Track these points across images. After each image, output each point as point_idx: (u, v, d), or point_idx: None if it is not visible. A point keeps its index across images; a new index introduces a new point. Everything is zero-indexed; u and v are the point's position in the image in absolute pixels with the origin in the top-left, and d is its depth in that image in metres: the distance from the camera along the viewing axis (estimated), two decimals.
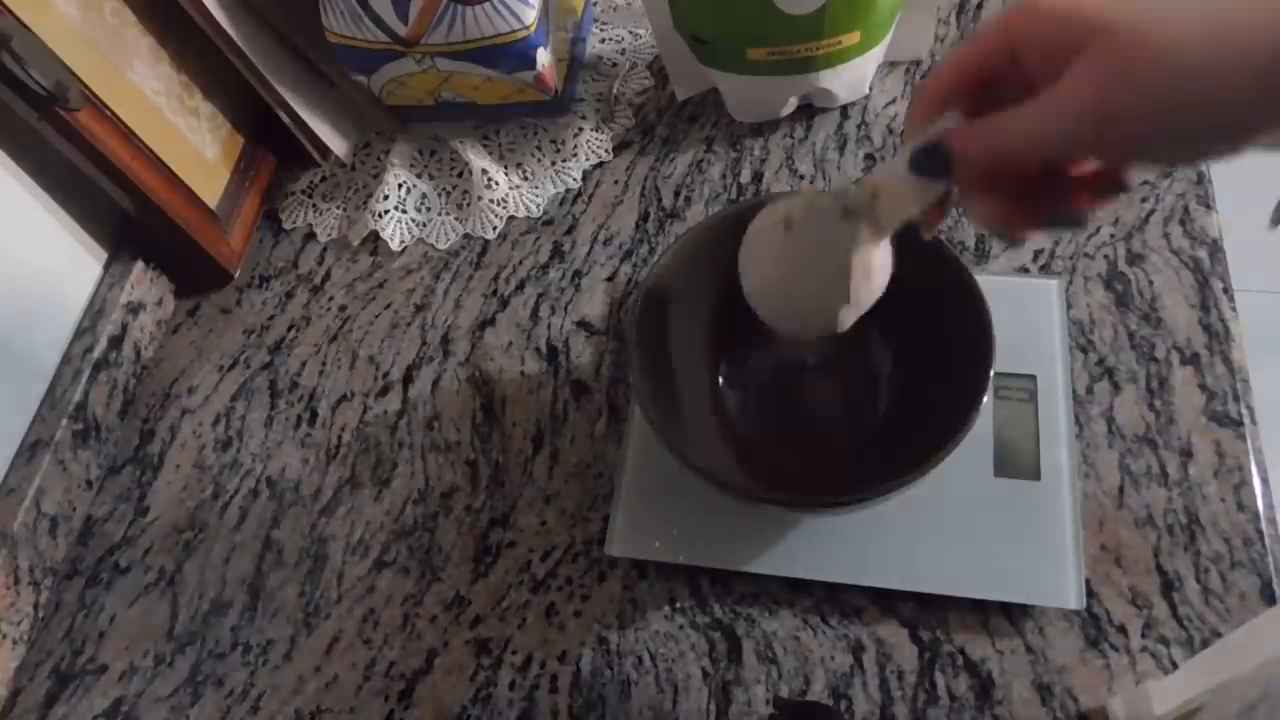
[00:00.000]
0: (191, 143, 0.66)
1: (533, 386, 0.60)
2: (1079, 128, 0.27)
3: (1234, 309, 0.55)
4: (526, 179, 0.69)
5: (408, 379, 0.62)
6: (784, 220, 0.39)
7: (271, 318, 0.67)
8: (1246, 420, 0.51)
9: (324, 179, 0.73)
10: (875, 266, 0.39)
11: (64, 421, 0.59)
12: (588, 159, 0.69)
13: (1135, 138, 0.27)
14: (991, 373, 0.44)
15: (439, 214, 0.69)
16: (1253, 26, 0.24)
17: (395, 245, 0.68)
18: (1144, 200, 0.59)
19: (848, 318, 0.40)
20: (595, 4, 0.77)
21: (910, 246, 0.39)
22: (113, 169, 0.59)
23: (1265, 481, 0.50)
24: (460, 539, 0.55)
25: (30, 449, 0.59)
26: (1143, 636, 0.46)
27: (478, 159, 0.68)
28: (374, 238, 0.69)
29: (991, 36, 0.31)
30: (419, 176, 0.70)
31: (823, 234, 0.38)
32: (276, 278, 0.69)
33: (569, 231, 0.67)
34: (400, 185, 0.69)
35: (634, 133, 0.71)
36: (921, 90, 0.33)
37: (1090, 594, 0.48)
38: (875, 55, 0.64)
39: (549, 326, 0.62)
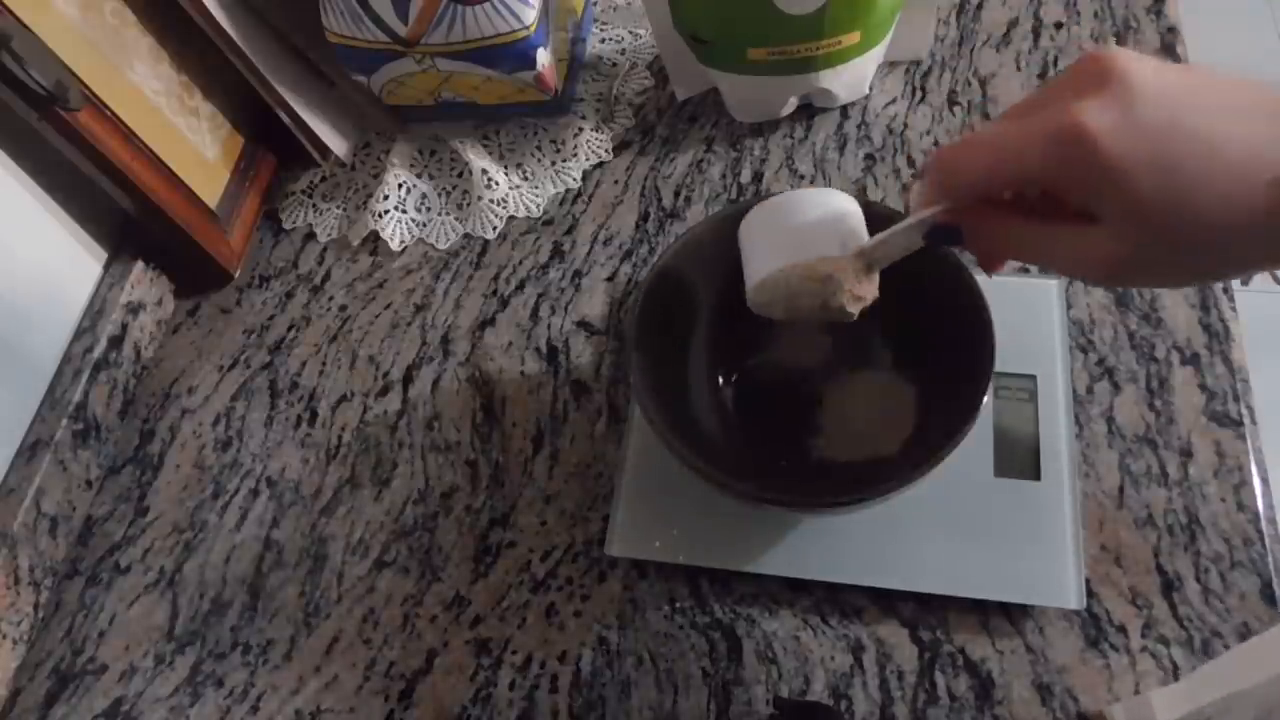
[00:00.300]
0: (191, 143, 0.66)
1: (533, 386, 0.60)
2: (1100, 271, 0.31)
3: (1234, 309, 0.55)
4: (526, 179, 0.69)
5: (408, 379, 0.62)
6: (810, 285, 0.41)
7: (271, 318, 0.67)
8: (1246, 420, 0.51)
9: (324, 179, 0.73)
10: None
11: (64, 421, 0.59)
12: (588, 159, 0.69)
13: (1152, 284, 0.39)
14: (991, 373, 0.44)
15: (439, 214, 0.69)
16: (1270, 199, 0.27)
17: (395, 245, 0.68)
18: None
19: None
20: (595, 4, 0.77)
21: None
22: (113, 169, 0.59)
23: (1265, 481, 0.50)
24: (460, 539, 0.55)
25: (30, 449, 0.59)
26: (1143, 636, 0.47)
27: (478, 159, 0.68)
28: (374, 238, 0.69)
29: (1021, 170, 0.31)
30: (419, 176, 0.70)
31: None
32: (276, 278, 0.69)
33: (569, 231, 0.67)
34: (400, 185, 0.69)
35: (634, 133, 0.71)
36: (939, 177, 0.34)
37: (1090, 594, 0.48)
38: (875, 55, 0.64)
39: (549, 326, 0.62)
